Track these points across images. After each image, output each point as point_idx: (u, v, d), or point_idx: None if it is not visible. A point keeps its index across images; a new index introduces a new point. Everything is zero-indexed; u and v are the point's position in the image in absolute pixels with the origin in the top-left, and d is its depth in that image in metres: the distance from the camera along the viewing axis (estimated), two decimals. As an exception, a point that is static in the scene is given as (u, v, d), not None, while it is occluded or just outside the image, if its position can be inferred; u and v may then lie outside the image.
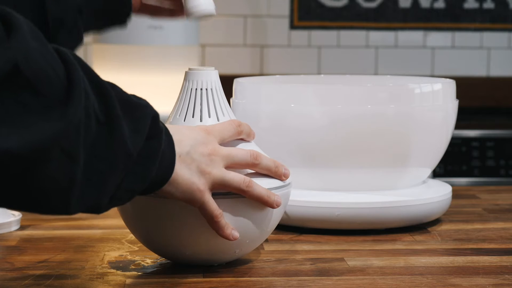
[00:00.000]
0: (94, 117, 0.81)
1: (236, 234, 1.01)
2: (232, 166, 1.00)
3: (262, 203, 1.02)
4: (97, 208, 0.85)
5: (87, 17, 1.04)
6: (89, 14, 1.04)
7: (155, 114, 0.91)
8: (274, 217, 1.07)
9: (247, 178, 1.00)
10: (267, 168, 1.03)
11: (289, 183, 1.09)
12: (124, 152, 0.84)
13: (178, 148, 0.94)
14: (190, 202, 0.97)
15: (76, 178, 0.79)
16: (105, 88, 0.84)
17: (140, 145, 0.87)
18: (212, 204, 0.98)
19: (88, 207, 0.83)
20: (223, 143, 1.03)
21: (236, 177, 0.99)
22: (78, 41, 1.06)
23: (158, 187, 0.93)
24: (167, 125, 0.95)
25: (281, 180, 1.05)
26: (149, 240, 1.07)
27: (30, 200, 0.78)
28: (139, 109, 0.89)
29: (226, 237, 1.00)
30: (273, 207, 1.02)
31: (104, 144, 0.82)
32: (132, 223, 1.08)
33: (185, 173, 0.95)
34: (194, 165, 0.96)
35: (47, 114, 0.75)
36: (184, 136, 0.97)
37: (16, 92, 0.73)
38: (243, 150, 1.02)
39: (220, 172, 0.98)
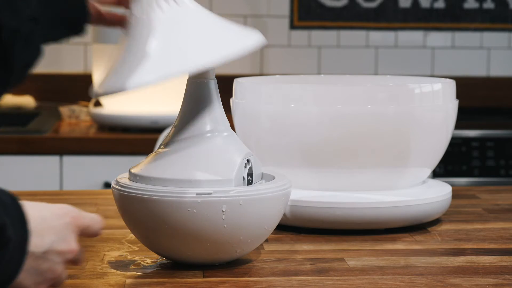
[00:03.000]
0: None
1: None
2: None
3: None
4: None
5: (43, 27, 0.96)
6: (44, 23, 0.97)
7: (2, 223, 0.81)
8: (274, 217, 1.07)
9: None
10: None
11: (289, 183, 1.09)
12: None
13: (35, 246, 0.85)
14: None
15: None
16: None
17: None
18: None
19: None
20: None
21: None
22: (36, 53, 0.97)
23: None
24: (34, 210, 0.86)
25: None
26: (149, 240, 1.07)
27: None
28: None
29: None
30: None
31: None
32: (132, 223, 1.08)
33: (29, 278, 0.86)
34: (46, 265, 0.87)
35: None
36: (47, 228, 0.87)
37: None
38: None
39: (65, 272, 0.90)
